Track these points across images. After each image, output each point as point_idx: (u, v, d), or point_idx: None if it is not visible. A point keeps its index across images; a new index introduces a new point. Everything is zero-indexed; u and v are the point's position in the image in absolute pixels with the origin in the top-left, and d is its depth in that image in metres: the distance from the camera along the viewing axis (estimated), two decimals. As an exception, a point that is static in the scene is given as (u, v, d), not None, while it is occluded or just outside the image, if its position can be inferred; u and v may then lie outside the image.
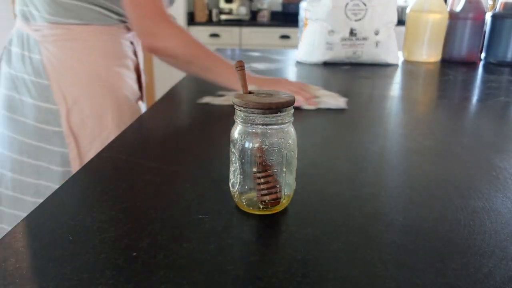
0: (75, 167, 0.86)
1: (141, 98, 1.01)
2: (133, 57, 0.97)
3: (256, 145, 0.38)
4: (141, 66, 1.02)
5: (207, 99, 0.84)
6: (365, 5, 1.27)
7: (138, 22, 0.82)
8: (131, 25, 0.87)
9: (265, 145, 0.38)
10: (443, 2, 1.38)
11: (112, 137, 0.78)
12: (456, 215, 0.40)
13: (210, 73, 0.84)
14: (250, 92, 0.39)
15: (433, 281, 0.30)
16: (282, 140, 0.38)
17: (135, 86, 0.97)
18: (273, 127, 0.37)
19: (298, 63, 1.36)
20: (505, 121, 0.78)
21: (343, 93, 0.88)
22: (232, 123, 0.40)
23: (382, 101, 0.91)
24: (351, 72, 1.24)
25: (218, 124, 0.72)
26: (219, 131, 0.67)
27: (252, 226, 0.38)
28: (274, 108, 0.36)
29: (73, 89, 0.85)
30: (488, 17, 1.39)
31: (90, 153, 0.86)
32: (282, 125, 0.38)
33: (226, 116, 0.74)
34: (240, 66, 0.39)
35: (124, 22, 0.91)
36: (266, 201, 0.39)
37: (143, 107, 1.02)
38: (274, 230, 0.38)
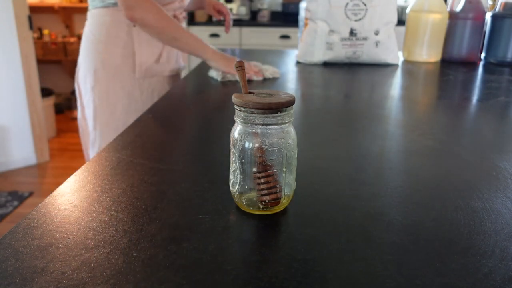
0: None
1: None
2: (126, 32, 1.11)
3: (256, 145, 0.38)
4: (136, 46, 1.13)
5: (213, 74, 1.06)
6: (365, 5, 1.27)
7: None
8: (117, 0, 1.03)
9: (265, 145, 0.38)
10: (443, 2, 1.38)
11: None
12: (456, 215, 0.40)
13: (177, 42, 1.02)
14: (250, 92, 0.39)
15: (433, 281, 0.30)
16: (282, 140, 0.38)
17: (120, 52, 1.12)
18: (273, 127, 0.37)
19: (298, 63, 1.36)
20: (505, 121, 0.78)
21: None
22: (232, 123, 0.40)
23: (382, 101, 0.91)
24: (351, 72, 1.24)
25: (218, 124, 0.72)
26: (219, 131, 0.67)
27: (252, 226, 0.38)
28: (274, 108, 0.36)
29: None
30: (488, 17, 1.39)
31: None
32: (282, 125, 0.38)
33: (226, 116, 0.74)
34: (240, 66, 0.39)
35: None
36: (266, 201, 0.39)
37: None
38: (274, 230, 0.38)
